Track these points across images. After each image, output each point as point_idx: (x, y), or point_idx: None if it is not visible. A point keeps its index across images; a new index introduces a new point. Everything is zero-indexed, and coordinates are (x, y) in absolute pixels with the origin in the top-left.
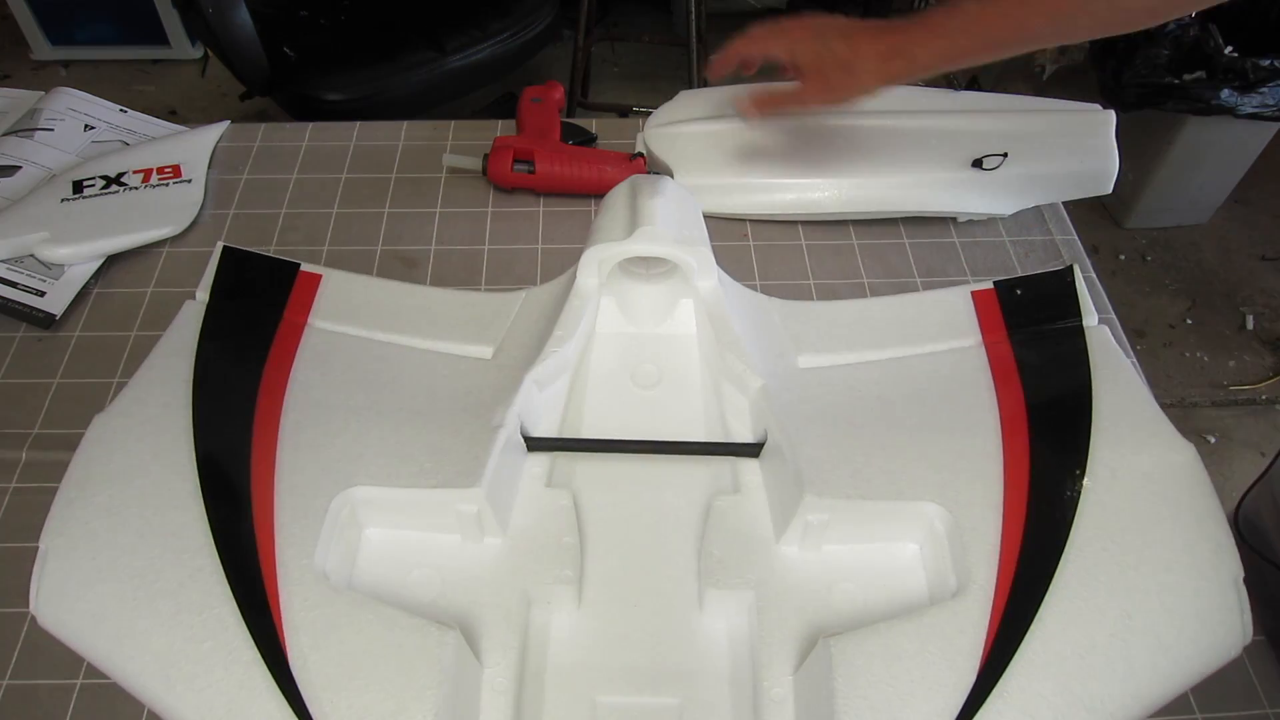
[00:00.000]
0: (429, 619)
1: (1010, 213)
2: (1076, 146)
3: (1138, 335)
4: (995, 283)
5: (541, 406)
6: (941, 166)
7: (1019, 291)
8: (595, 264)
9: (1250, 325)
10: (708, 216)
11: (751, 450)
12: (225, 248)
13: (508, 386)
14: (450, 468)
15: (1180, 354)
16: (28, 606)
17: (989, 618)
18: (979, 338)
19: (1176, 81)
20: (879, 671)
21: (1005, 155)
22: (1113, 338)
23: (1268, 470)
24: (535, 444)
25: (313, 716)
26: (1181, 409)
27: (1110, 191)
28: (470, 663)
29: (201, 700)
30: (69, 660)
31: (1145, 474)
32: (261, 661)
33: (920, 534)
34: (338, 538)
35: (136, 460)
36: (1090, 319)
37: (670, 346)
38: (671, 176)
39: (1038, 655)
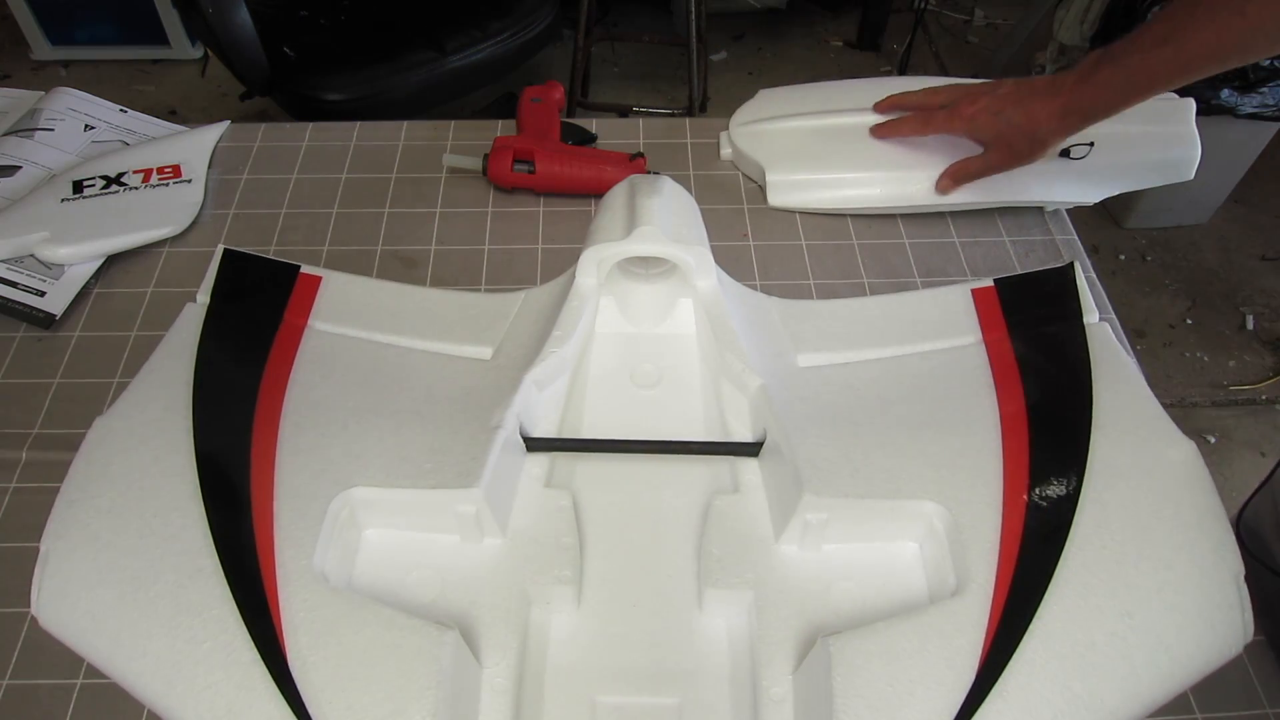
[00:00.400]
0: (428, 619)
1: (1095, 201)
2: (1159, 134)
3: (1138, 335)
4: (995, 280)
5: (541, 407)
6: None
7: (1019, 289)
8: (594, 264)
9: (1250, 325)
10: (801, 212)
11: (750, 449)
12: (226, 250)
13: (507, 387)
14: (449, 468)
15: (1180, 354)
16: (28, 607)
17: (988, 616)
18: (979, 335)
19: None
20: (878, 671)
21: (1092, 145)
22: (1114, 335)
23: (1269, 478)
24: (534, 444)
25: (312, 717)
26: (1181, 409)
27: (1192, 178)
28: (469, 663)
29: (201, 701)
30: (69, 660)
31: (1145, 471)
32: (261, 662)
33: (920, 533)
34: (337, 539)
35: (137, 462)
36: (1091, 316)
37: (670, 346)
38: (762, 174)
39: (1037, 654)
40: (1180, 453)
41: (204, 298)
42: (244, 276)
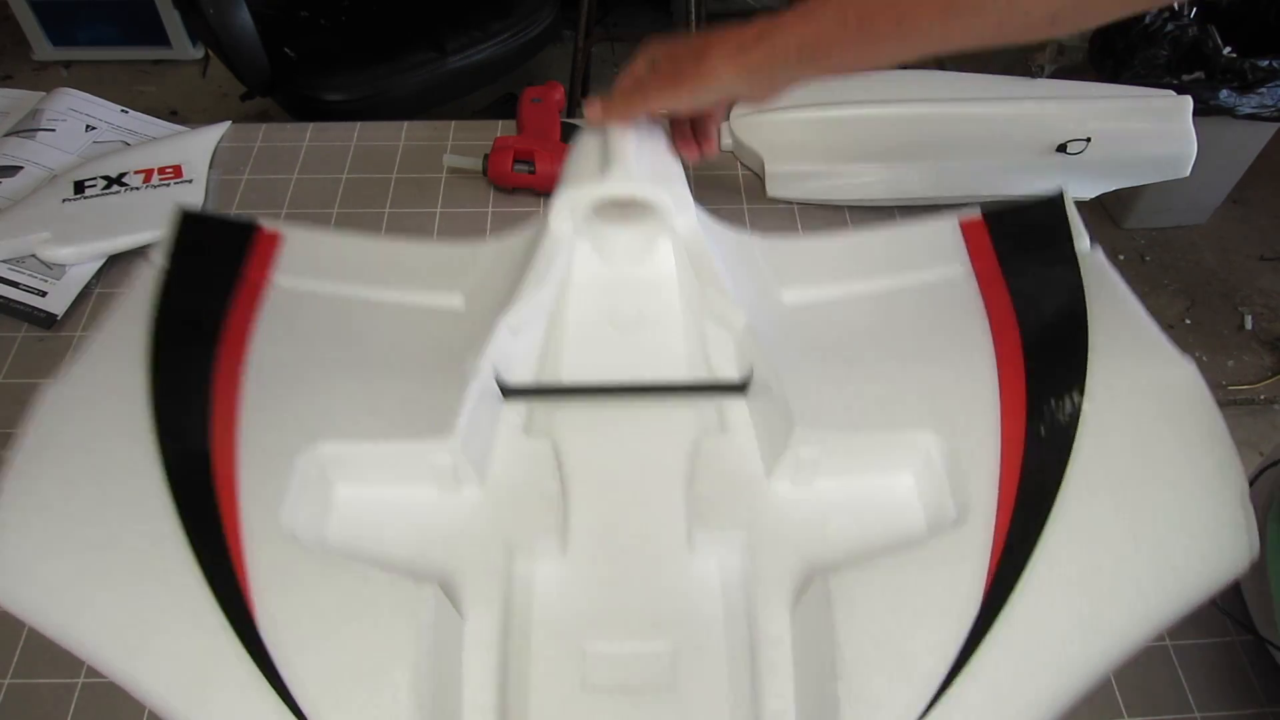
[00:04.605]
0: (406, 574)
1: (1091, 196)
2: (1155, 131)
3: None
4: (984, 211)
5: (517, 354)
6: (1028, 151)
7: (1008, 219)
8: (568, 207)
9: (1249, 325)
10: (800, 203)
11: (737, 388)
12: (183, 212)
13: (480, 334)
14: (422, 419)
15: None
16: None
17: (991, 545)
18: (969, 265)
19: (1175, 82)
20: (880, 605)
21: (1088, 140)
22: (1106, 261)
23: (1257, 477)
24: (512, 392)
25: (284, 680)
26: None
27: (1188, 174)
28: (451, 617)
29: (166, 669)
30: (70, 660)
31: (1145, 392)
32: (229, 626)
33: (916, 464)
34: (306, 496)
35: (91, 428)
36: (1082, 242)
37: (649, 288)
38: (761, 165)
39: (1043, 581)
40: (1180, 372)
41: (160, 259)
42: (202, 236)
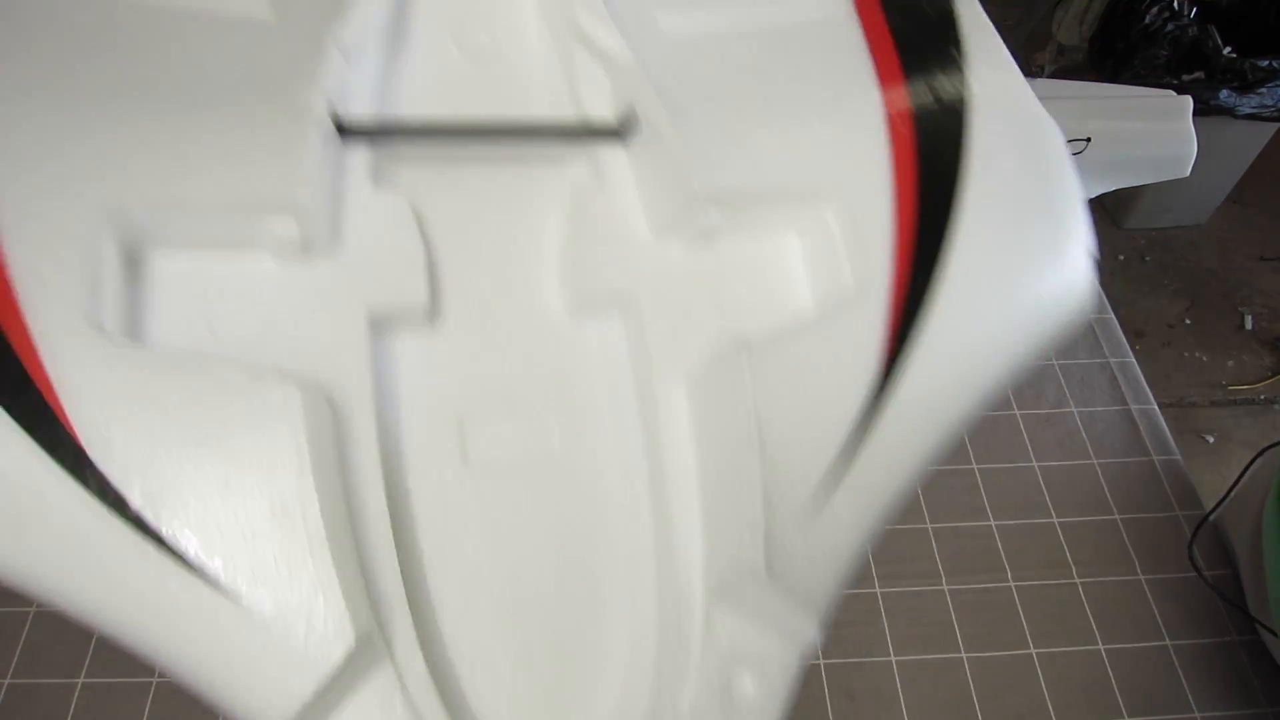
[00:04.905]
0: (259, 367)
1: (1091, 196)
2: (1155, 131)
3: (1137, 335)
4: None
5: (351, 86)
6: None
7: None
8: None
9: (1249, 325)
10: None
11: (615, 133)
12: None
13: (304, 57)
14: (251, 170)
15: (1179, 354)
16: (29, 606)
17: (887, 311)
18: (851, 6)
19: (1175, 82)
20: (791, 376)
21: (1088, 140)
22: (981, 9)
23: (1240, 477)
24: (351, 131)
25: (132, 504)
26: (1180, 409)
27: (1188, 174)
28: (320, 409)
29: None
30: (70, 660)
31: (1018, 152)
32: (52, 463)
33: (814, 229)
34: (110, 281)
35: None
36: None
37: (504, 8)
38: None
39: (933, 339)
40: (1048, 132)
41: None
42: None
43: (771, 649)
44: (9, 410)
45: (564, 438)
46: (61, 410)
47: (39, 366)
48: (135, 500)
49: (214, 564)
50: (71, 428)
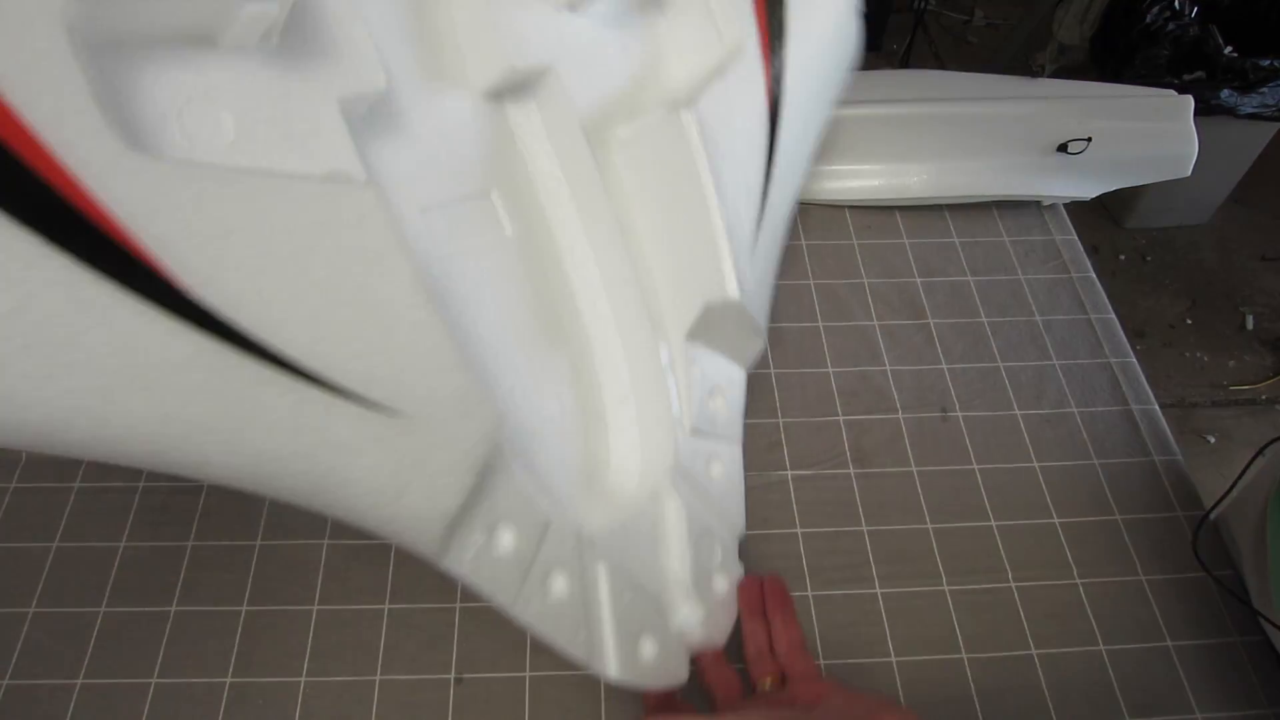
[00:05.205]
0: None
1: (1092, 196)
2: (1156, 131)
3: (1138, 335)
4: None
5: None
6: (1028, 151)
7: None
8: None
9: (1250, 325)
10: (803, 203)
11: None
12: None
13: None
14: None
15: (1180, 354)
16: (28, 606)
17: (762, 61)
18: None
19: (1176, 81)
20: (725, 131)
21: (1089, 140)
22: None
23: (1240, 477)
24: None
25: (258, 341)
26: (1181, 409)
27: (1189, 174)
28: (387, 205)
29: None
30: (70, 660)
31: None
32: (148, 308)
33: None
34: (107, 93)
35: None
36: None
37: None
38: None
39: (792, 88)
40: None
41: None
42: None
43: (734, 372)
44: (86, 259)
45: (513, 222)
46: (140, 250)
47: (91, 205)
48: (246, 325)
49: (349, 378)
50: (154, 263)
